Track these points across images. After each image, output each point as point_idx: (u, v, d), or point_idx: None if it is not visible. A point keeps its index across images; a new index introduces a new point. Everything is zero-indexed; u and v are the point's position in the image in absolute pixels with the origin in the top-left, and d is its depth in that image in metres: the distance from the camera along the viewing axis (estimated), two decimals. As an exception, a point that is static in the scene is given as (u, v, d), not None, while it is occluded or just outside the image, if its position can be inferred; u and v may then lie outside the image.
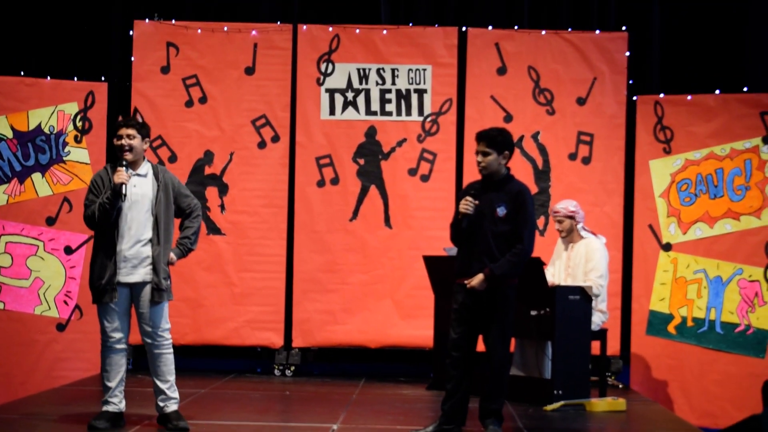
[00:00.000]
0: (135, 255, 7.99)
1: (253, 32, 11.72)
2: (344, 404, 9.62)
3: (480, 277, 7.83)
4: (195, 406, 9.14)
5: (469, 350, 8.03)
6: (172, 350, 8.15)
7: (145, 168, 8.15)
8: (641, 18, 12.26)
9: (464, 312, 7.99)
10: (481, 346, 8.02)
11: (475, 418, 8.14)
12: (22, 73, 11.52)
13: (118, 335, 8.03)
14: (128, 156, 8.02)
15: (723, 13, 12.28)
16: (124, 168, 7.95)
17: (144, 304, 8.03)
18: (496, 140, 7.99)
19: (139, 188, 8.04)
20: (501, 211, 7.90)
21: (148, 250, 8.02)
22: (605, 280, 10.06)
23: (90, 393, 9.86)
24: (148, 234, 8.03)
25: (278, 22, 11.85)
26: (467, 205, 7.91)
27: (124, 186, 7.88)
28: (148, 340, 8.06)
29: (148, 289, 8.01)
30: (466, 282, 7.92)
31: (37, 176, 11.28)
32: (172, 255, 8.17)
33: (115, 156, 8.09)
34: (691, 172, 11.43)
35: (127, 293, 8.01)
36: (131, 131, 8.07)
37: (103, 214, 7.88)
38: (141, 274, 8.00)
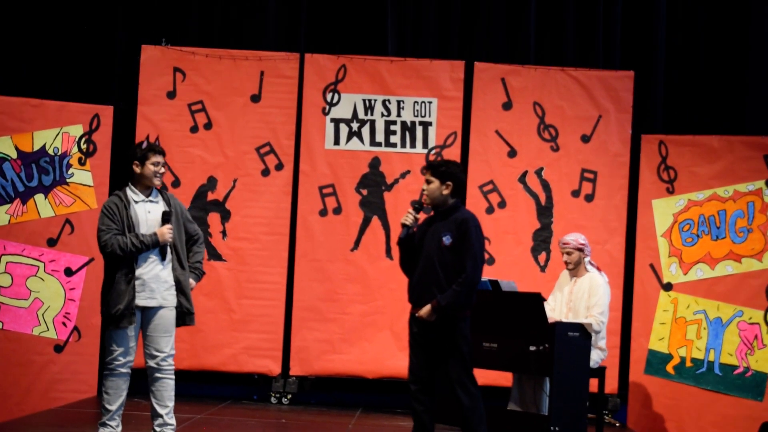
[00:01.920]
0: (154, 279, 8.02)
1: (260, 60, 11.74)
2: (340, 434, 9.62)
3: (428, 308, 7.91)
4: (191, 431, 9.12)
5: (427, 380, 8.05)
6: (173, 376, 8.16)
7: (156, 194, 8.21)
8: (646, 57, 12.31)
9: (418, 342, 8.05)
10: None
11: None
12: (28, 94, 11.53)
13: (126, 359, 8.03)
14: (159, 183, 8.14)
15: (726, 55, 12.32)
16: (171, 226, 8.04)
17: (158, 329, 8.05)
18: (439, 170, 8.11)
19: (154, 214, 8.09)
20: (446, 240, 7.97)
21: (167, 275, 8.07)
22: (606, 317, 10.04)
23: (86, 415, 9.85)
24: (167, 258, 8.07)
25: (285, 51, 11.87)
26: (407, 216, 8.09)
27: (168, 245, 8.04)
28: (153, 365, 8.06)
29: (165, 313, 8.04)
30: (416, 314, 7.97)
31: (39, 197, 11.28)
32: (192, 281, 8.23)
33: (123, 179, 8.14)
34: (694, 212, 11.43)
35: (139, 317, 8.02)
36: (164, 159, 8.18)
37: (134, 254, 7.93)
38: (159, 299, 8.03)
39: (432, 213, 8.26)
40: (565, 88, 11.77)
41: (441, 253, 7.95)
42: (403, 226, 8.11)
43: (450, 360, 7.92)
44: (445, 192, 8.07)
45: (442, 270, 7.93)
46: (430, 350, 7.99)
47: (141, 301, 7.98)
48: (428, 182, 8.10)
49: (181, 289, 8.14)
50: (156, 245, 7.99)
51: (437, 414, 8.14)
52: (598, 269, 10.29)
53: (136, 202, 8.12)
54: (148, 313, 8.04)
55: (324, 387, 11.91)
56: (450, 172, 8.10)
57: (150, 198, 8.17)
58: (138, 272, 7.98)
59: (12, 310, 11.13)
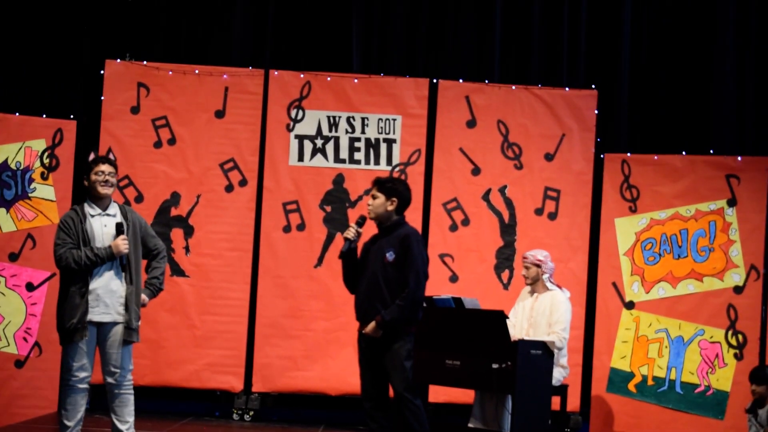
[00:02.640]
0: (107, 294, 7.98)
1: (225, 76, 11.73)
2: (302, 451, 9.59)
3: (372, 324, 7.97)
4: (152, 448, 9.09)
5: (379, 398, 8.09)
6: (133, 391, 8.13)
7: (114, 208, 8.17)
8: (610, 76, 12.38)
9: (367, 359, 8.09)
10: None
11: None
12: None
13: (82, 374, 8.00)
14: (108, 191, 8.07)
15: (690, 75, 12.40)
16: (125, 235, 7.99)
17: (113, 344, 8.01)
18: (385, 186, 8.26)
19: (110, 227, 8.06)
20: (390, 256, 8.03)
21: (120, 290, 8.03)
22: (567, 334, 10.06)
23: (46, 431, 9.77)
24: (119, 273, 8.04)
25: (250, 67, 11.85)
26: (349, 230, 8.18)
27: (124, 257, 7.98)
28: (111, 381, 8.03)
29: (119, 328, 8.01)
30: (362, 331, 7.98)
31: (1, 211, 11.20)
32: (144, 297, 8.19)
33: (83, 194, 8.11)
34: (656, 231, 11.49)
35: (94, 333, 7.98)
36: (112, 168, 8.15)
37: (89, 267, 7.89)
38: (113, 314, 8.01)
39: (377, 231, 8.28)
40: (529, 106, 11.81)
41: (384, 269, 8.00)
42: (345, 239, 8.18)
43: (393, 375, 7.94)
44: (390, 208, 8.13)
45: (386, 286, 7.98)
46: (377, 366, 8.01)
47: (95, 316, 7.96)
48: (374, 197, 8.21)
49: (126, 303, 8.09)
50: (111, 258, 7.96)
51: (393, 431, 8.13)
52: (559, 286, 10.32)
53: (92, 216, 8.10)
54: (104, 329, 8.01)
55: (286, 403, 11.87)
56: (395, 188, 8.18)
57: (107, 212, 8.15)
58: (92, 286, 7.96)
59: (-27, 325, 11.08)
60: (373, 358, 8.00)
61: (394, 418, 8.05)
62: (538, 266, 10.21)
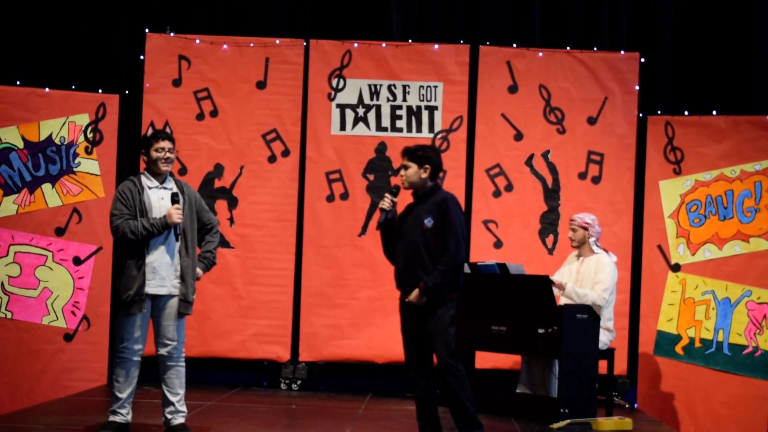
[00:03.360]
0: (164, 267, 8.03)
1: (265, 46, 11.74)
2: (350, 419, 9.63)
3: (416, 291, 7.89)
4: (201, 418, 9.15)
5: (423, 365, 8.07)
6: (184, 364, 8.18)
7: (171, 182, 8.21)
8: (652, 38, 12.27)
9: (410, 328, 8.06)
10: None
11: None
12: (34, 83, 11.54)
13: (136, 347, 8.05)
14: (168, 168, 8.11)
15: (732, 35, 12.28)
16: (179, 204, 8.03)
17: (168, 317, 8.06)
18: (416, 154, 8.10)
19: (167, 201, 8.09)
20: (428, 222, 7.96)
21: (176, 263, 8.06)
22: (611, 296, 10.03)
23: (96, 403, 9.88)
24: (176, 246, 8.07)
25: (289, 37, 11.85)
26: (384, 200, 8.10)
27: (179, 226, 8.03)
28: (164, 353, 8.08)
29: (174, 301, 8.06)
30: (405, 299, 7.96)
31: (47, 187, 11.29)
32: (199, 270, 8.24)
33: (130, 167, 8.15)
34: (701, 193, 11.42)
35: (149, 305, 8.03)
36: (171, 145, 8.18)
37: (145, 237, 7.92)
38: (168, 286, 8.04)
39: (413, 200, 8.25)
40: (571, 70, 11.76)
41: (424, 236, 7.95)
42: (381, 210, 8.11)
43: (437, 341, 7.93)
44: (424, 176, 8.07)
45: (426, 252, 7.93)
46: (421, 334, 8.00)
47: (151, 288, 7.99)
48: (405, 167, 8.09)
49: (182, 275, 8.13)
50: (166, 227, 7.98)
51: (438, 397, 8.14)
52: (605, 250, 10.30)
53: (150, 188, 8.12)
54: (159, 301, 8.05)
55: (333, 372, 11.91)
56: (426, 155, 8.10)
57: (164, 185, 8.18)
58: (148, 259, 7.99)
59: (21, 299, 11.16)
60: (417, 326, 7.99)
61: (439, 385, 8.05)
62: (585, 229, 10.20)
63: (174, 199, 8.08)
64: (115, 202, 8.08)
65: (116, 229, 8.01)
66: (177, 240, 8.07)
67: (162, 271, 8.05)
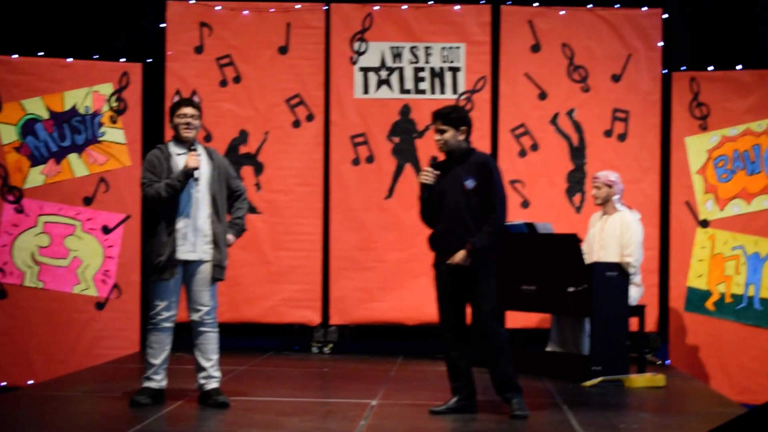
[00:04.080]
0: (193, 233, 8.03)
1: (286, 11, 11.71)
2: (383, 381, 9.65)
3: (462, 253, 7.82)
4: (234, 383, 9.18)
5: (460, 327, 8.04)
6: (217, 329, 8.21)
7: (200, 148, 8.21)
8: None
9: (449, 290, 8.00)
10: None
11: (492, 391, 8.15)
12: (57, 54, 11.55)
13: (168, 313, 8.07)
14: (190, 134, 8.10)
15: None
16: (196, 152, 8.02)
17: (200, 283, 8.08)
18: (450, 117, 8.00)
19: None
20: (469, 183, 7.90)
21: (207, 228, 8.08)
22: (640, 253, 10.02)
23: (129, 371, 9.92)
24: (206, 212, 8.09)
25: (310, 1, 11.83)
26: (426, 175, 7.99)
27: (197, 170, 7.99)
28: (197, 319, 8.10)
29: (206, 267, 8.08)
30: (448, 261, 7.92)
31: (73, 156, 11.32)
32: (231, 236, 8.24)
33: (155, 135, 8.15)
34: (728, 148, 11.38)
35: (181, 271, 8.05)
36: (194, 111, 8.16)
37: (172, 195, 7.93)
38: (199, 252, 8.05)
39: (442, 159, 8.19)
40: (593, 28, 11.72)
41: (466, 198, 7.89)
42: (424, 185, 8.02)
43: (482, 302, 7.90)
44: (460, 138, 8.00)
45: (469, 214, 7.88)
46: (462, 295, 7.98)
47: (182, 254, 8.01)
48: (441, 131, 7.99)
49: (215, 241, 8.14)
50: (186, 176, 7.96)
51: (473, 358, 8.13)
52: (629, 208, 10.29)
53: (178, 154, 8.13)
54: (190, 267, 8.07)
55: (364, 335, 11.94)
56: (461, 116, 8.02)
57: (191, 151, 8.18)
58: (178, 225, 8.00)
59: (52, 269, 11.21)
60: (456, 287, 7.97)
61: (478, 347, 8.04)
62: (609, 186, 10.19)
63: (191, 149, 8.07)
64: (144, 171, 8.10)
65: (145, 197, 8.04)
66: (197, 183, 8.04)
67: (192, 237, 8.06)
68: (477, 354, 8.06)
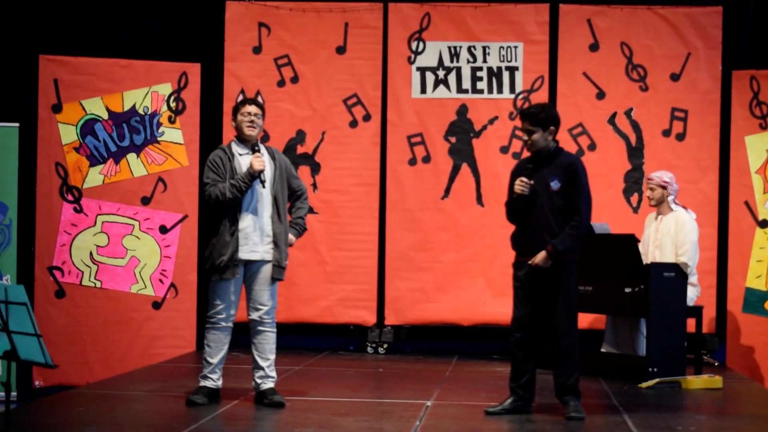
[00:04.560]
0: (256, 233, 8.08)
1: (344, 11, 11.74)
2: (438, 381, 9.64)
3: (543, 254, 7.77)
4: (290, 382, 9.22)
5: (532, 328, 7.99)
6: (275, 329, 8.24)
7: (262, 148, 8.24)
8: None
9: (527, 290, 7.95)
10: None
11: (549, 393, 8.11)
12: (116, 54, 11.64)
13: (227, 313, 8.12)
14: (253, 132, 8.14)
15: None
16: (260, 153, 8.06)
17: (261, 282, 8.12)
18: (539, 117, 7.91)
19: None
20: (555, 185, 7.84)
21: (269, 228, 8.11)
22: (695, 253, 9.95)
23: (186, 370, 9.99)
24: (268, 212, 8.13)
25: (368, 1, 11.84)
26: (522, 186, 7.86)
27: (263, 173, 8.03)
28: (256, 318, 8.14)
29: (267, 267, 8.11)
30: (529, 261, 7.87)
31: (132, 156, 11.41)
32: (292, 236, 8.28)
33: (213, 136, 8.19)
34: (789, 147, 11.28)
35: (242, 271, 8.09)
36: (258, 110, 8.20)
37: (236, 196, 7.98)
38: (261, 252, 8.09)
39: (525, 156, 8.16)
40: (652, 26, 11.63)
41: (550, 199, 7.83)
42: (519, 196, 7.91)
43: (559, 304, 7.86)
44: (549, 138, 7.93)
45: (552, 215, 7.82)
46: (540, 296, 7.93)
47: (244, 254, 8.04)
48: (530, 132, 7.88)
49: (275, 241, 8.18)
50: (251, 178, 8.00)
51: (538, 359, 8.09)
52: (684, 207, 10.21)
53: (241, 154, 8.17)
54: (252, 266, 8.10)
55: (419, 335, 11.94)
56: (550, 116, 7.91)
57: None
58: (241, 225, 8.04)
59: (110, 269, 11.31)
60: (536, 289, 7.92)
61: (546, 348, 8.01)
62: (664, 188, 10.13)
63: (254, 150, 8.11)
64: (206, 171, 8.15)
65: (209, 197, 8.08)
66: (263, 186, 8.09)
67: (254, 237, 8.10)
68: (542, 356, 8.04)
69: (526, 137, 7.95)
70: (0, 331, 6.45)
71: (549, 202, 7.82)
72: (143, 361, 10.96)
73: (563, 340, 7.86)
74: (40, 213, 11.31)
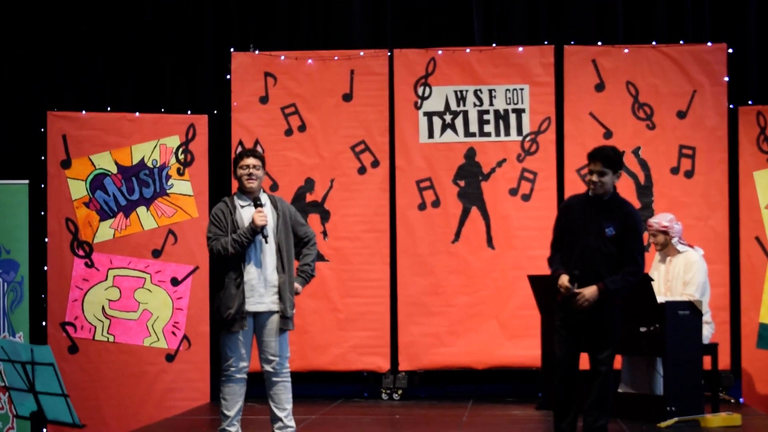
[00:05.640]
0: (261, 284, 8.08)
1: (349, 59, 11.78)
2: (455, 426, 9.63)
3: (594, 289, 7.76)
4: (307, 431, 9.20)
5: (575, 368, 7.99)
6: (290, 378, 8.22)
7: (264, 197, 8.26)
8: (738, 28, 12.08)
9: (570, 330, 7.95)
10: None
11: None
12: (124, 109, 11.68)
13: (240, 365, 8.11)
14: (253, 184, 8.14)
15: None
16: (262, 206, 8.06)
17: (270, 333, 8.12)
18: (613, 160, 7.94)
19: None
20: (609, 231, 7.85)
21: (274, 279, 8.12)
22: (703, 293, 9.92)
23: (202, 422, 9.97)
24: (273, 263, 8.13)
25: (372, 48, 11.88)
26: (567, 288, 7.88)
27: (265, 228, 8.03)
28: (269, 369, 8.13)
29: (275, 317, 8.11)
30: (576, 290, 7.83)
31: (142, 210, 11.43)
32: (297, 285, 8.27)
33: (222, 187, 8.20)
34: (797, 181, 11.27)
35: (251, 322, 8.09)
36: (257, 161, 8.21)
37: (238, 251, 7.98)
38: (267, 303, 8.09)
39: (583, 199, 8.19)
40: (658, 65, 11.65)
41: (604, 244, 7.85)
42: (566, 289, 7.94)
43: (606, 343, 7.87)
44: (616, 181, 7.96)
45: (603, 261, 7.84)
46: (583, 336, 7.91)
47: (251, 306, 8.05)
48: (601, 174, 7.88)
49: (279, 292, 8.17)
50: (253, 233, 8.02)
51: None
52: (690, 246, 10.19)
53: (242, 206, 8.20)
54: (260, 318, 8.10)
55: (433, 380, 11.88)
56: (621, 159, 7.98)
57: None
58: (246, 277, 8.05)
59: (122, 322, 11.30)
60: (579, 329, 7.91)
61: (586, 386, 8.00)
62: (665, 233, 10.10)
63: (256, 204, 8.13)
64: (209, 226, 8.19)
65: (212, 251, 8.12)
66: (266, 242, 8.09)
67: (260, 288, 8.10)
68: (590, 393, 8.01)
69: (595, 178, 7.91)
70: (26, 392, 6.44)
71: (603, 247, 7.84)
72: (158, 415, 10.93)
73: (602, 382, 7.87)
74: (52, 269, 11.32)
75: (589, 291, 7.78)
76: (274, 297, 8.14)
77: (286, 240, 8.24)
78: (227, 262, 8.07)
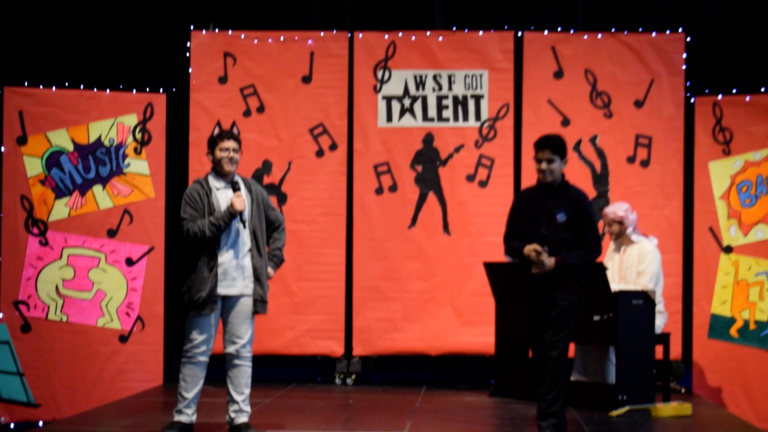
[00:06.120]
0: (234, 268, 8.04)
1: (310, 41, 11.73)
2: (409, 412, 9.63)
3: (552, 260, 7.82)
4: (261, 415, 9.17)
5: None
6: (251, 363, 8.20)
7: (240, 183, 8.20)
8: (697, 17, 12.13)
9: (535, 320, 8.00)
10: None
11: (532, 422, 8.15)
12: (81, 86, 11.58)
13: (205, 347, 8.07)
14: (232, 168, 8.11)
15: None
16: (242, 193, 8.03)
17: (239, 316, 8.08)
18: (560, 147, 8.03)
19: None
20: (561, 217, 7.91)
21: (248, 263, 8.08)
22: (656, 282, 9.98)
23: (154, 404, 9.93)
24: (248, 247, 8.09)
25: (333, 29, 11.84)
26: (539, 265, 7.92)
27: (243, 213, 8.01)
28: (233, 351, 8.10)
29: (246, 300, 8.08)
30: (533, 270, 7.90)
31: (98, 188, 11.35)
32: (270, 270, 8.24)
33: (179, 167, 8.14)
34: (752, 173, 11.34)
35: (220, 306, 8.05)
36: (236, 144, 8.15)
37: (215, 234, 7.94)
38: (239, 287, 8.06)
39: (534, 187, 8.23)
40: (616, 53, 11.69)
41: (556, 231, 7.91)
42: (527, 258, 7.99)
43: (559, 328, 7.91)
44: (563, 168, 8.02)
45: (557, 248, 7.88)
46: (543, 322, 7.98)
47: (222, 290, 8.01)
48: (550, 161, 7.97)
49: (256, 276, 8.15)
50: (231, 217, 7.97)
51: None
52: (645, 235, 10.25)
53: (218, 189, 8.13)
54: (229, 301, 8.07)
55: (387, 365, 11.91)
56: (565, 146, 8.06)
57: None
58: (220, 260, 8.01)
59: (76, 302, 11.23)
60: (540, 317, 7.98)
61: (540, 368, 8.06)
62: (621, 223, 10.17)
63: (234, 188, 8.08)
64: (184, 206, 8.09)
65: (187, 233, 8.03)
66: (245, 227, 8.07)
67: (233, 272, 8.06)
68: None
69: (544, 166, 7.98)
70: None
71: (555, 234, 7.90)
72: (110, 396, 10.89)
73: (555, 366, 7.87)
74: (6, 247, 11.23)
75: (549, 259, 7.83)
76: (247, 281, 8.10)
77: (260, 224, 8.21)
78: (201, 245, 8.02)
